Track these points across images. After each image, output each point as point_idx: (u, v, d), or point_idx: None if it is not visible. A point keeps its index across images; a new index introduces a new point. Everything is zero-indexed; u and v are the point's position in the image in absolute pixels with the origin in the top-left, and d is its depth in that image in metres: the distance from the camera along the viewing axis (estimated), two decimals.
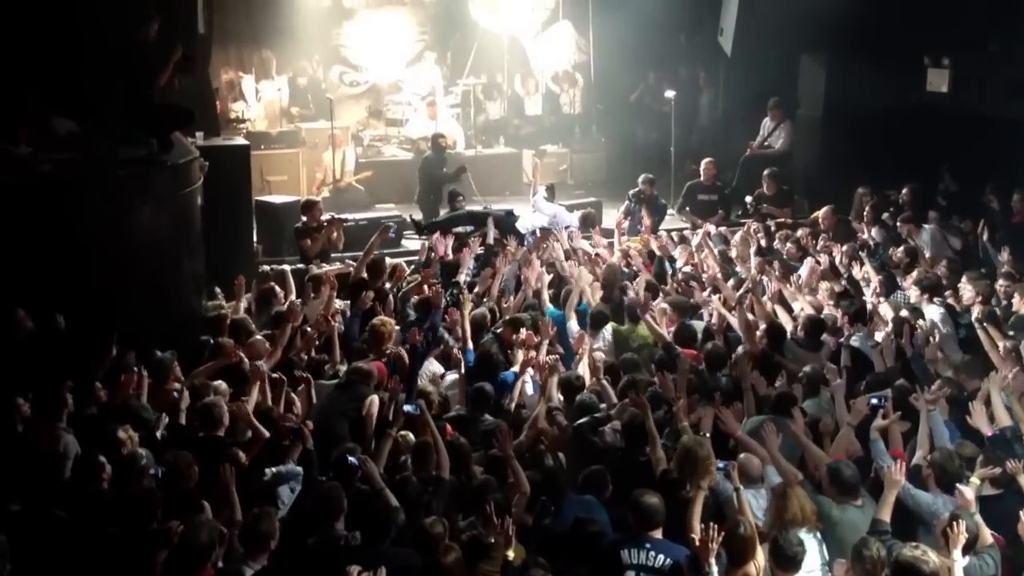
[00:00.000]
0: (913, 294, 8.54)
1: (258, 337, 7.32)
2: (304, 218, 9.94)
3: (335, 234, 9.82)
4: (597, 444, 6.00)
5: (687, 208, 11.84)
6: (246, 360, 6.67)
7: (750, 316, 7.84)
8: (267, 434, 5.83)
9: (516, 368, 7.05)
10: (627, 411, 6.11)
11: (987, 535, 4.86)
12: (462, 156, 13.50)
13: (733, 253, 9.86)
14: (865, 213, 10.86)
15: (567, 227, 10.42)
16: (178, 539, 4.61)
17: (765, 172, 11.78)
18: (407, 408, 5.94)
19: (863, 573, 4.50)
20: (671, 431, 6.05)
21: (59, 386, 5.91)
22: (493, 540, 4.64)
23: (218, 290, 8.44)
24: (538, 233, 10.18)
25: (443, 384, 7.17)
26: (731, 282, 8.85)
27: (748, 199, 11.91)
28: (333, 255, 9.86)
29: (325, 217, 9.96)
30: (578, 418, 6.20)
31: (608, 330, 7.92)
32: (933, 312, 8.08)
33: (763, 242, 10.03)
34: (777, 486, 5.18)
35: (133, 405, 6.12)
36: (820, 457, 5.63)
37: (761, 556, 4.69)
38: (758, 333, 7.44)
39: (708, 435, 5.80)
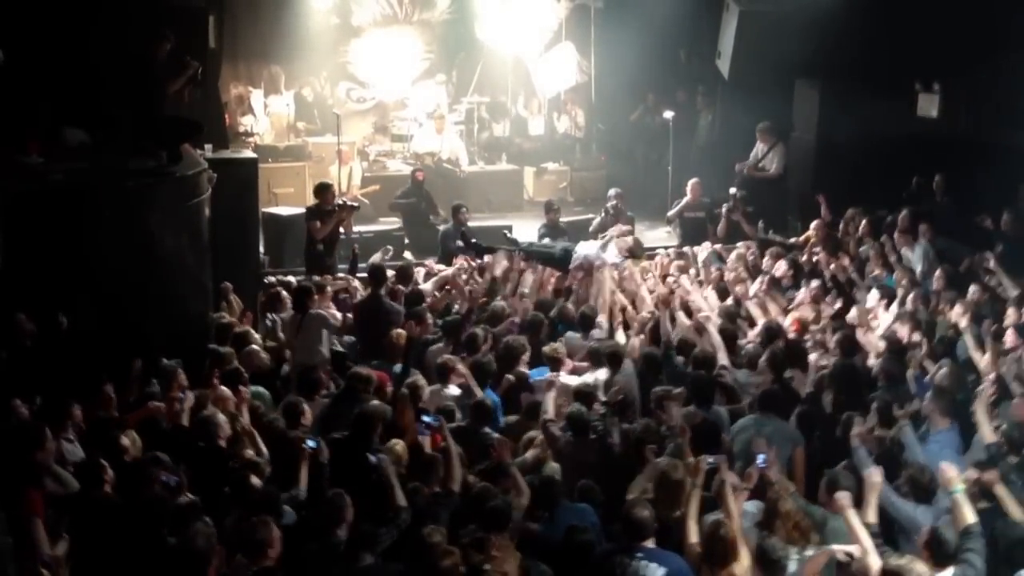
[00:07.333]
0: (872, 298, 8.66)
1: (255, 347, 7.45)
2: (317, 200, 10.16)
3: (346, 219, 10.05)
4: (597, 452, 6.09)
5: (675, 225, 12.17)
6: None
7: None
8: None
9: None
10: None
11: (969, 515, 4.87)
12: (465, 172, 13.74)
13: (729, 274, 9.91)
14: (861, 227, 10.80)
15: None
16: (176, 547, 4.66)
17: (736, 194, 11.85)
18: (426, 419, 6.02)
19: None
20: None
21: (65, 398, 5.95)
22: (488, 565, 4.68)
23: (224, 305, 8.59)
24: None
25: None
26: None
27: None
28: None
29: (338, 201, 10.16)
30: (573, 429, 6.25)
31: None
32: (884, 320, 8.23)
33: (758, 262, 10.13)
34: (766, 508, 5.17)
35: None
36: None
37: (746, 558, 4.72)
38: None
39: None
